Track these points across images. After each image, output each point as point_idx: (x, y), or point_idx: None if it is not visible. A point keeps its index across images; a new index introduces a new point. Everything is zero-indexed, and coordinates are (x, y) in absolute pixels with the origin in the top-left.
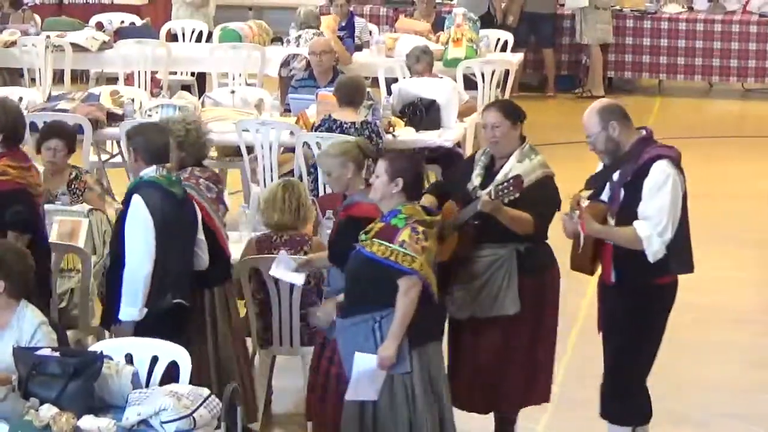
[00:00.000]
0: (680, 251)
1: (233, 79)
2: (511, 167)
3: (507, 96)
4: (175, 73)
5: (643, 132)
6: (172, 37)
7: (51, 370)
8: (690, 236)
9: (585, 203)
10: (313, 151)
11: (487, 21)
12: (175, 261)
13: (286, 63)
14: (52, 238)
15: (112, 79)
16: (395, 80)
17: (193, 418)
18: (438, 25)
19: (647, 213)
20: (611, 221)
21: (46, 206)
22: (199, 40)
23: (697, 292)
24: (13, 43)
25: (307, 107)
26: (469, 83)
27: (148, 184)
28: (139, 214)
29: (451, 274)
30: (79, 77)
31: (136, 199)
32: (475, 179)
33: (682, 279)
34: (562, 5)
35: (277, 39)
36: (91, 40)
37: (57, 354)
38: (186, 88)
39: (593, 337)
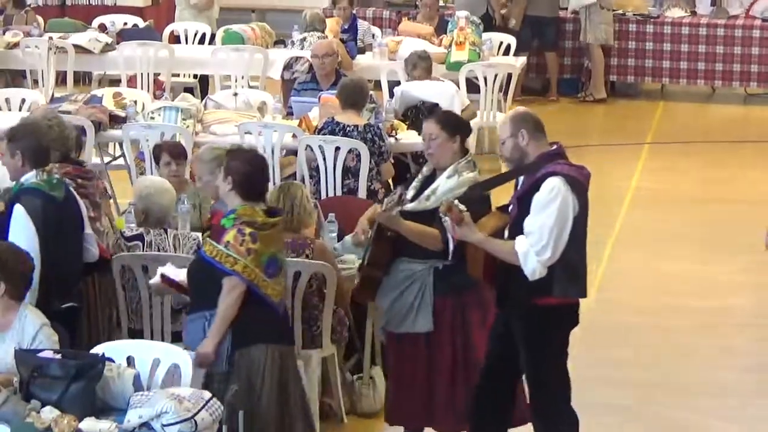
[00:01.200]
0: (567, 273)
1: (236, 81)
2: (439, 183)
3: (510, 100)
4: (178, 75)
5: (554, 147)
6: (175, 39)
7: (52, 372)
8: (584, 258)
9: (460, 207)
10: (316, 154)
11: (486, 22)
12: (60, 265)
13: (288, 66)
14: None
15: (115, 81)
16: (398, 83)
17: (195, 421)
18: (441, 28)
19: (529, 229)
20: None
21: None
22: (202, 42)
23: (701, 296)
24: (16, 45)
25: (310, 110)
26: (472, 87)
27: (29, 191)
28: (20, 223)
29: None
30: (82, 79)
31: (18, 209)
32: (410, 190)
33: (686, 283)
34: (565, 9)
35: (280, 41)
36: (93, 41)
37: (58, 356)
38: (189, 90)
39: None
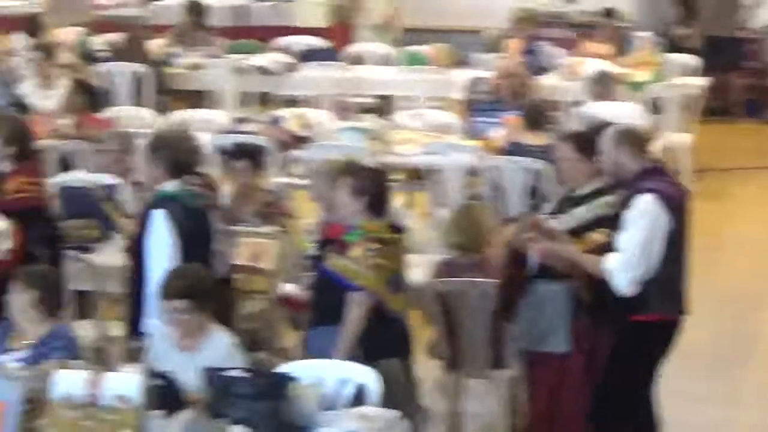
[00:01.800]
0: (662, 290)
1: (418, 102)
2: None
3: (692, 120)
4: (360, 95)
5: (652, 164)
6: (357, 60)
7: (240, 390)
8: (682, 276)
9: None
10: (499, 174)
11: (666, 43)
12: None
13: (470, 86)
14: (239, 259)
15: (297, 102)
16: (578, 104)
17: None
18: (622, 49)
19: (619, 245)
20: None
21: (235, 228)
22: (384, 63)
23: None
24: (199, 66)
25: (492, 130)
26: (654, 107)
27: (170, 199)
28: (161, 231)
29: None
30: (265, 99)
31: (158, 216)
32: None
33: None
34: (743, 29)
35: (462, 62)
36: (275, 62)
37: (247, 375)
38: (371, 110)
39: None
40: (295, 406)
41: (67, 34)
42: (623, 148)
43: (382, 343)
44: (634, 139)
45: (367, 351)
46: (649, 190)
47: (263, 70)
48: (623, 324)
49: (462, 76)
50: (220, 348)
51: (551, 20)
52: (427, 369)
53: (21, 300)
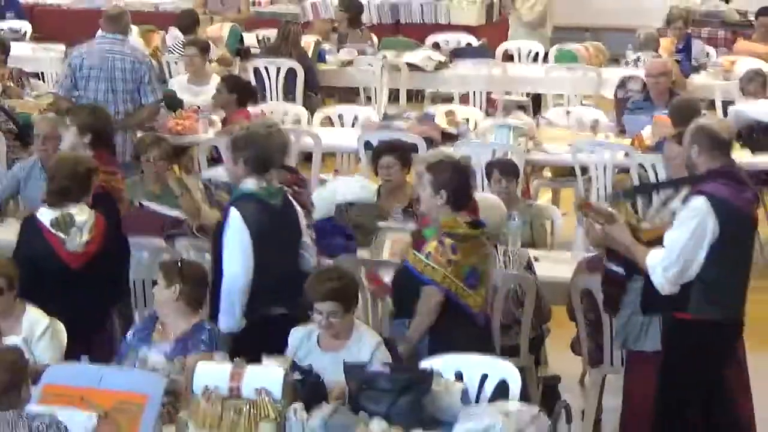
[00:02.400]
0: (706, 293)
1: (568, 99)
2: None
3: None
4: (511, 93)
5: (726, 166)
6: (509, 58)
7: (381, 385)
8: (734, 282)
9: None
10: (649, 173)
11: None
12: (274, 272)
13: (622, 84)
14: (384, 255)
15: (448, 99)
16: (732, 103)
17: None
18: None
19: (665, 242)
20: None
21: (380, 223)
22: (535, 60)
23: None
24: (350, 63)
25: (643, 129)
26: None
27: (246, 197)
28: (236, 229)
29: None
30: (415, 97)
31: (234, 213)
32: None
33: None
34: None
35: (614, 60)
36: (427, 60)
37: (388, 370)
38: (521, 108)
39: None
40: (437, 400)
41: (219, 30)
42: (696, 146)
43: (455, 338)
44: (711, 139)
45: (438, 346)
46: (703, 193)
47: (415, 67)
48: (667, 319)
49: (614, 74)
50: (365, 349)
51: (706, 19)
52: (569, 364)
53: (164, 295)
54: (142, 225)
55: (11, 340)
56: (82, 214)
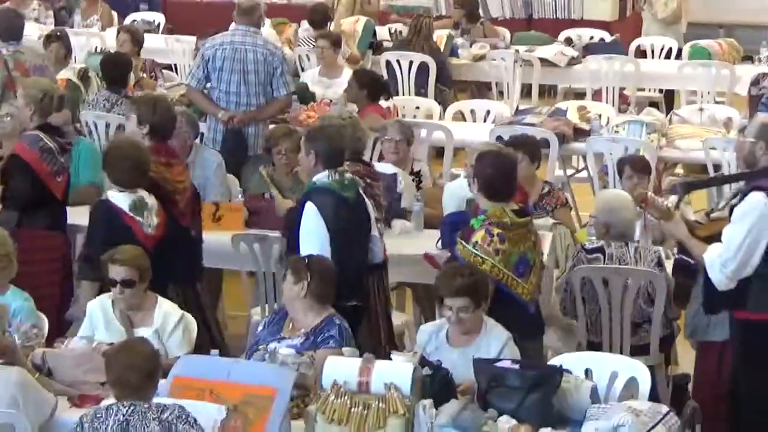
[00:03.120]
0: (764, 288)
1: (701, 96)
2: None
3: None
4: (643, 89)
5: None
6: (641, 53)
7: (511, 382)
8: None
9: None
10: None
11: None
12: (349, 264)
13: (756, 82)
14: None
15: (580, 95)
16: None
17: None
18: None
19: (723, 238)
20: None
21: None
22: (668, 56)
23: None
24: (483, 57)
25: None
26: None
27: (321, 191)
28: (312, 222)
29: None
30: (547, 92)
31: (310, 207)
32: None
33: None
34: None
35: (748, 57)
36: (559, 55)
37: (517, 366)
38: (654, 104)
39: None
40: (565, 398)
41: (354, 24)
42: (761, 142)
43: (505, 326)
44: None
45: None
46: (762, 188)
47: (547, 63)
48: (729, 319)
49: (747, 71)
50: (494, 345)
51: None
52: None
53: (293, 291)
54: (273, 218)
55: (143, 331)
56: (149, 197)
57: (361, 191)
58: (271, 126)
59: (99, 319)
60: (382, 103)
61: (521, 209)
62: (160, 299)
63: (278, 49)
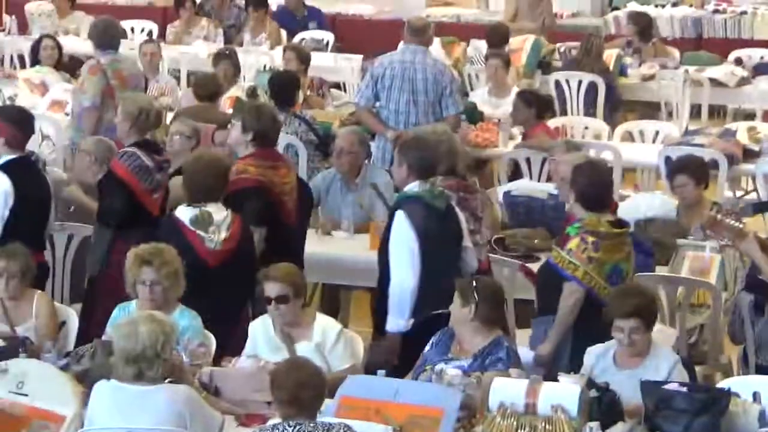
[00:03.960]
0: None
1: None
2: None
3: None
4: None
5: None
6: None
7: (678, 405)
8: None
9: (732, 222)
10: None
11: None
12: (437, 275)
13: None
14: (683, 273)
15: (750, 116)
16: None
17: None
18: None
19: None
20: None
21: (679, 241)
22: None
23: None
24: (652, 77)
25: None
26: None
27: (412, 200)
28: (402, 230)
29: None
30: (717, 112)
31: (400, 216)
32: None
33: None
34: None
35: None
36: (729, 75)
37: (685, 389)
38: None
39: None
40: (733, 422)
41: (522, 43)
42: None
43: (597, 338)
44: None
45: (582, 344)
46: None
47: (717, 83)
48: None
49: None
50: (663, 367)
51: None
52: None
53: (461, 314)
54: None
55: (303, 346)
56: (219, 212)
57: (452, 203)
58: None
59: (260, 338)
60: (550, 122)
61: (618, 220)
62: (318, 313)
63: (447, 68)
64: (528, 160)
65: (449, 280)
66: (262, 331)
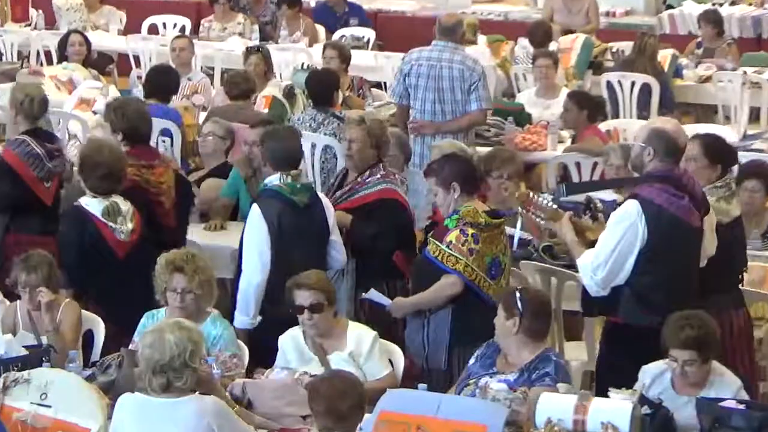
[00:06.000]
0: (636, 299)
1: None
2: None
3: None
4: None
5: (668, 170)
6: None
7: (735, 422)
8: (667, 290)
9: (545, 201)
10: None
11: None
12: (295, 270)
13: None
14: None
15: None
16: None
17: None
18: None
19: (597, 244)
20: None
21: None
22: None
23: None
24: (708, 79)
25: None
26: None
27: (269, 194)
28: (254, 225)
29: None
30: None
31: (255, 210)
32: None
33: None
34: None
35: None
36: None
37: (743, 406)
38: None
39: None
40: None
41: (572, 42)
42: (650, 150)
43: (477, 327)
44: (668, 144)
45: (462, 335)
46: (637, 197)
47: None
48: (604, 323)
49: None
50: (726, 395)
51: None
52: None
53: (505, 327)
54: None
55: (337, 356)
56: (124, 203)
57: (321, 196)
58: (488, 149)
59: (291, 351)
60: (602, 125)
61: (493, 210)
62: (351, 322)
63: (478, 65)
64: (578, 165)
65: None
66: (291, 344)
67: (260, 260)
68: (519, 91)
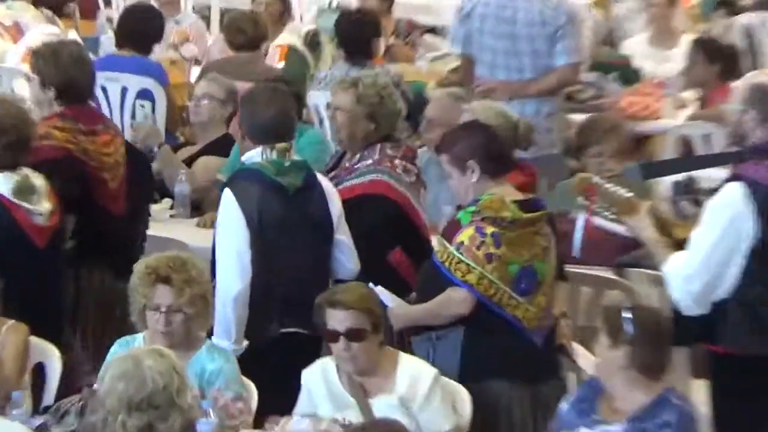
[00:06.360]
0: (746, 318)
1: None
2: None
3: None
4: None
5: None
6: None
7: None
8: None
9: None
10: None
11: None
12: (287, 274)
13: None
14: None
15: None
16: None
17: None
18: None
19: (689, 244)
20: None
21: None
22: None
23: None
24: None
25: None
26: None
27: (247, 174)
28: (228, 217)
29: None
30: None
31: (227, 196)
32: None
33: None
34: None
35: None
36: None
37: None
38: None
39: None
40: None
41: None
42: (752, 110)
43: (488, 361)
44: None
45: (469, 369)
46: (741, 178)
47: None
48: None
49: None
50: None
51: None
52: None
53: (610, 357)
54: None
55: (382, 401)
56: (35, 176)
57: (322, 181)
58: (585, 116)
59: (320, 388)
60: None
61: (529, 200)
62: (402, 356)
63: (564, 3)
64: (707, 138)
65: (308, 284)
66: (321, 381)
67: (238, 263)
68: (625, 39)
